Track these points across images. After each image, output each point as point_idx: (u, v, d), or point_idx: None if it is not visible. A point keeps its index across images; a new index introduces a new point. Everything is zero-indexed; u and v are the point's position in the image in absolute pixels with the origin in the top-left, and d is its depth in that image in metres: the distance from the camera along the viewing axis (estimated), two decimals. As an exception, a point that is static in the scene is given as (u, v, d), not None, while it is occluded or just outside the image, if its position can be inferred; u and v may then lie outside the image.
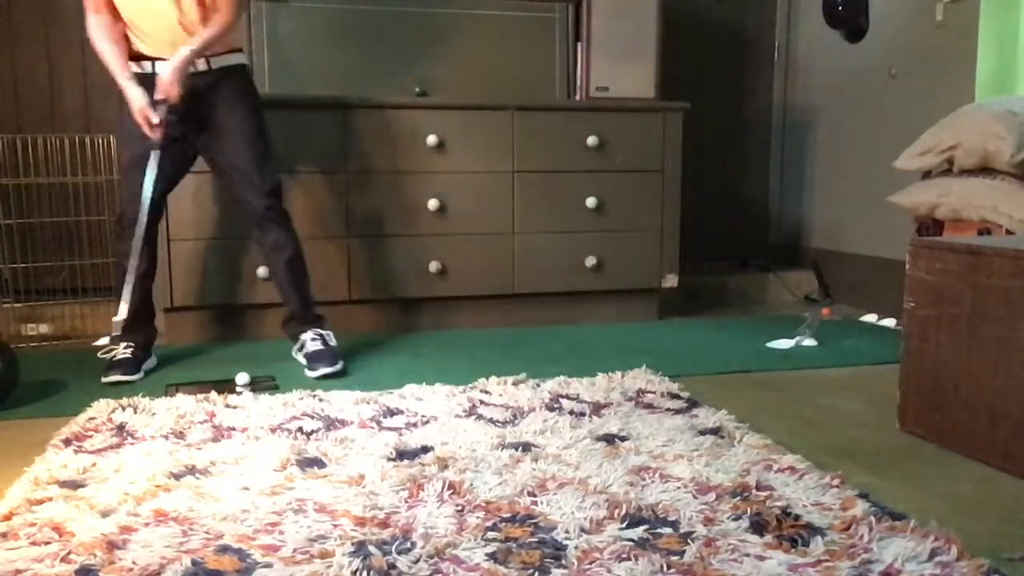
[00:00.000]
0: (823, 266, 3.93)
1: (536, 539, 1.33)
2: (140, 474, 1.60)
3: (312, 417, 1.99)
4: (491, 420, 1.97)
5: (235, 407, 2.07)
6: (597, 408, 2.06)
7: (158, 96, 2.30)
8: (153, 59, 2.39)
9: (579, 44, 3.36)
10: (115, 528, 1.35)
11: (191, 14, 2.34)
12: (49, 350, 2.82)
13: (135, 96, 2.29)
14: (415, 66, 3.33)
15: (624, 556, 1.27)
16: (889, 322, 3.25)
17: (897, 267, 2.19)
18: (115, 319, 2.31)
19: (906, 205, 2.90)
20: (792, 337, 2.88)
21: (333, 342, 2.53)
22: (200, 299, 2.92)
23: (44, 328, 3.00)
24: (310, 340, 2.50)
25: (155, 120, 2.29)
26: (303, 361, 2.50)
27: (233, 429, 1.90)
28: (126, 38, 2.39)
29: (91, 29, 2.35)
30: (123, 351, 2.47)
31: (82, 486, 1.55)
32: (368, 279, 3.06)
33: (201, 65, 2.40)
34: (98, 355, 2.47)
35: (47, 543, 1.31)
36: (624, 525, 1.37)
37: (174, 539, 1.32)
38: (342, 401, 2.11)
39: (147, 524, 1.38)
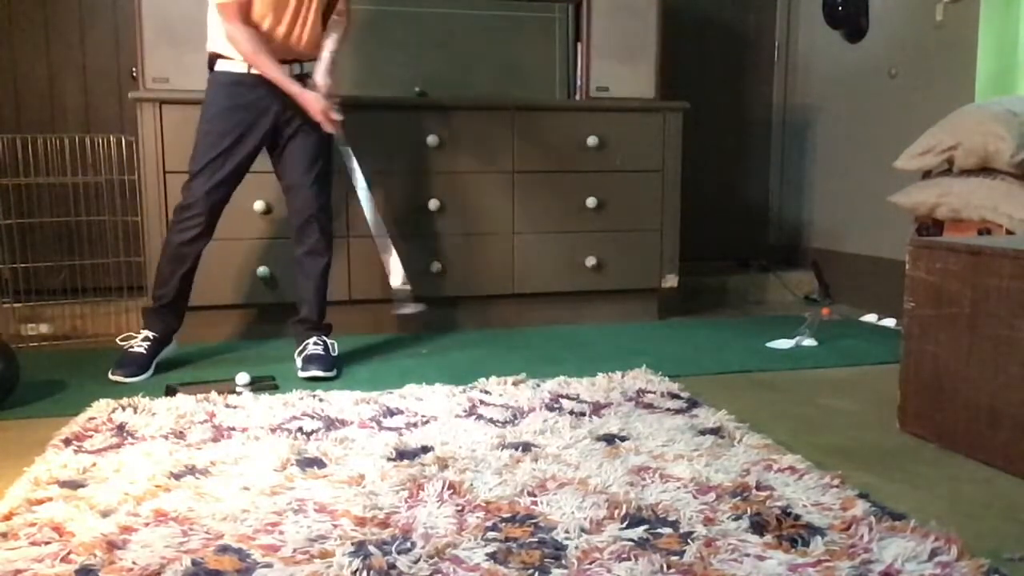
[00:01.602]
0: (823, 266, 3.93)
1: (536, 539, 1.33)
2: (140, 474, 1.60)
3: (312, 417, 1.99)
4: (491, 420, 1.97)
5: (235, 407, 2.07)
6: (597, 408, 2.06)
7: (326, 99, 2.44)
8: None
9: (579, 44, 3.36)
10: (115, 528, 1.35)
11: (311, 30, 2.48)
12: (49, 350, 2.82)
13: (317, 100, 2.42)
14: (415, 66, 3.33)
15: (624, 556, 1.27)
16: (889, 322, 3.25)
17: (897, 267, 2.19)
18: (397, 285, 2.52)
19: (906, 205, 2.90)
20: (792, 337, 2.88)
21: (335, 352, 2.54)
22: (201, 299, 2.92)
23: (44, 328, 3.00)
24: (312, 344, 2.51)
25: (338, 117, 2.45)
26: (298, 363, 2.50)
27: (233, 429, 1.90)
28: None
29: (249, 39, 2.35)
30: (139, 343, 2.48)
31: (82, 486, 1.55)
32: (368, 279, 3.05)
33: (296, 68, 2.49)
34: (117, 339, 2.47)
35: (47, 543, 1.31)
36: (624, 525, 1.37)
37: (174, 539, 1.32)
38: (342, 401, 2.12)
39: (147, 524, 1.38)
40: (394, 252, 2.60)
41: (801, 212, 4.20)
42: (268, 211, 2.90)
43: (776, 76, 4.26)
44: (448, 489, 1.51)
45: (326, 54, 2.53)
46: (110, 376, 2.39)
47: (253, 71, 2.42)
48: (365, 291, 3.06)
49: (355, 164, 2.56)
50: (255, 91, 2.43)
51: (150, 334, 2.51)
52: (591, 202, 3.21)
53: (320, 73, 2.51)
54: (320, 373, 2.42)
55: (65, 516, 1.40)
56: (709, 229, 4.12)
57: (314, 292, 2.59)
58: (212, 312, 2.97)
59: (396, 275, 2.59)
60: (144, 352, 2.47)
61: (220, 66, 2.45)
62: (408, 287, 2.59)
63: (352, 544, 1.30)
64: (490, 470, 1.62)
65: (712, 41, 4.14)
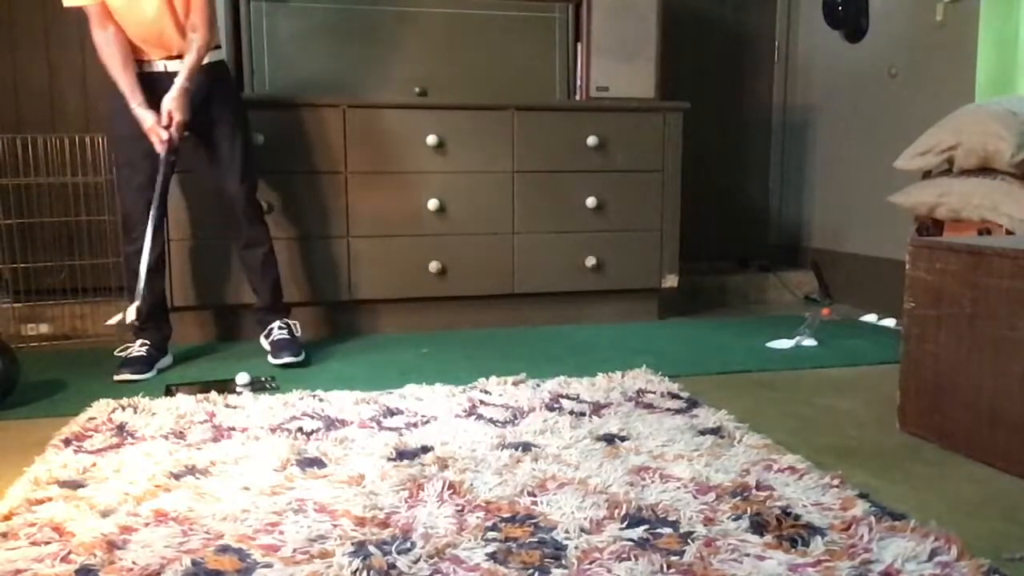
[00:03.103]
0: (823, 266, 3.93)
1: (536, 539, 1.33)
2: (140, 474, 1.60)
3: (312, 417, 1.99)
4: (491, 420, 1.97)
5: (235, 407, 2.07)
6: (597, 408, 2.06)
7: (164, 121, 2.38)
8: (152, 60, 2.47)
9: (579, 44, 3.36)
10: (115, 528, 1.35)
11: (173, 25, 2.40)
12: (49, 350, 2.82)
13: (147, 119, 2.37)
14: (415, 66, 3.33)
15: (624, 556, 1.27)
16: (889, 322, 3.25)
17: (897, 267, 2.19)
18: (128, 319, 2.35)
19: (906, 205, 2.90)
20: (792, 337, 2.88)
21: (298, 332, 2.67)
22: (200, 299, 2.92)
23: (44, 328, 3.00)
24: (277, 329, 2.63)
25: (164, 136, 2.38)
26: (268, 348, 2.63)
27: (233, 429, 1.90)
28: (132, 50, 2.43)
29: (101, 47, 2.38)
30: (138, 348, 2.51)
31: (82, 486, 1.55)
32: (368, 279, 3.05)
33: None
34: (114, 353, 2.47)
35: (47, 543, 1.31)
36: (624, 525, 1.37)
37: (174, 539, 1.32)
38: (342, 401, 2.12)
39: (147, 524, 1.38)
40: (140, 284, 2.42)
41: (801, 212, 4.20)
42: (269, 210, 2.90)
43: (776, 76, 4.26)
44: (448, 489, 1.51)
45: (177, 80, 2.39)
46: (115, 378, 2.39)
47: (146, 70, 2.45)
48: (365, 291, 3.06)
49: (160, 178, 2.42)
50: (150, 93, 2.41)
51: (146, 341, 2.55)
52: (591, 202, 3.21)
53: (166, 99, 2.37)
54: (292, 359, 2.55)
55: (65, 516, 1.40)
56: (709, 229, 4.12)
57: (263, 281, 2.68)
58: (212, 312, 2.97)
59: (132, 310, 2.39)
60: (145, 354, 2.50)
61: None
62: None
63: (352, 544, 1.30)
64: (490, 470, 1.62)
65: (712, 41, 4.14)
